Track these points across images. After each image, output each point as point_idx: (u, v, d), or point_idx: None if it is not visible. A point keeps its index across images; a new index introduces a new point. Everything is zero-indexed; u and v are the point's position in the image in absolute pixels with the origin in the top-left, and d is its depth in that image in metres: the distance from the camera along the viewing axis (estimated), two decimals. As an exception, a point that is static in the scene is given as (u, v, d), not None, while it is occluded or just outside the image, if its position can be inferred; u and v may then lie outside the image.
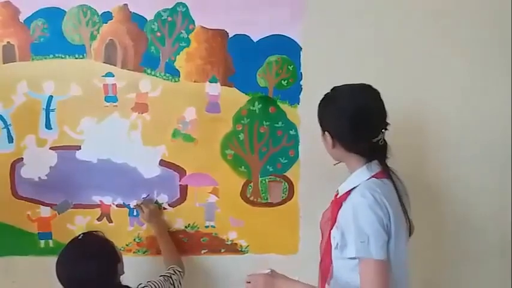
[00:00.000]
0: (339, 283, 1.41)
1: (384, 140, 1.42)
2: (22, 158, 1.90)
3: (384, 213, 1.33)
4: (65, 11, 1.83)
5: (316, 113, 1.49)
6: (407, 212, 1.43)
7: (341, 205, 1.41)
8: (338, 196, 1.45)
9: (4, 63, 1.85)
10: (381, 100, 1.42)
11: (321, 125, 1.47)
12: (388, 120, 1.42)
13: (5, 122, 1.88)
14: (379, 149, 1.42)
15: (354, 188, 1.40)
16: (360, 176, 1.42)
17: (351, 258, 1.34)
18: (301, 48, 1.87)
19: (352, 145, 1.41)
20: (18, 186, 1.91)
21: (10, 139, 1.89)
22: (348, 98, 1.41)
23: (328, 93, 1.47)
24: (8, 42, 1.84)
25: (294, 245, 1.98)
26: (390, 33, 1.87)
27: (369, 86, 1.43)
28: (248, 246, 1.99)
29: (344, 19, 1.86)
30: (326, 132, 1.44)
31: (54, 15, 1.83)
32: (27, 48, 1.84)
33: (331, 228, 1.41)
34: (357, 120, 1.37)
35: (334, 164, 1.52)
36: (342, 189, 1.44)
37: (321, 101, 1.47)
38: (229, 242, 1.98)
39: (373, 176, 1.41)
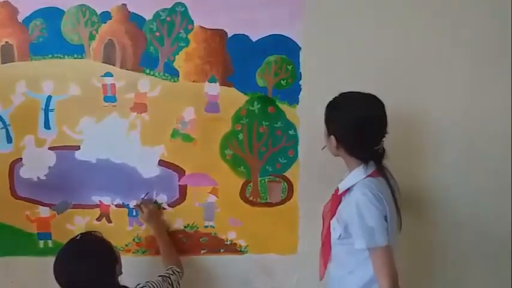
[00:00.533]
0: (337, 264, 1.62)
1: (383, 147, 1.54)
2: (21, 158, 1.90)
3: (382, 206, 1.49)
4: (64, 11, 1.82)
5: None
6: (399, 207, 1.56)
7: (341, 200, 1.57)
8: (338, 193, 1.59)
9: (3, 63, 1.85)
10: (385, 112, 1.52)
11: (327, 128, 1.57)
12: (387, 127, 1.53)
13: (3, 122, 1.88)
14: (377, 154, 1.54)
15: (353, 185, 1.54)
16: (357, 175, 1.54)
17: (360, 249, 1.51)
18: (300, 48, 1.86)
19: (354, 151, 1.54)
20: (17, 186, 1.91)
21: (9, 139, 1.89)
22: (354, 107, 1.52)
23: (336, 98, 1.57)
24: (7, 42, 1.84)
25: (293, 245, 1.98)
26: (390, 33, 1.87)
27: (374, 97, 1.53)
28: (247, 246, 1.99)
29: (343, 19, 1.86)
30: (331, 136, 1.55)
31: (52, 15, 1.82)
32: (25, 48, 1.84)
33: (331, 219, 1.59)
34: (361, 131, 1.50)
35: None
36: (342, 187, 1.58)
37: (328, 105, 1.57)
38: (228, 242, 1.98)
39: (369, 175, 1.53)
